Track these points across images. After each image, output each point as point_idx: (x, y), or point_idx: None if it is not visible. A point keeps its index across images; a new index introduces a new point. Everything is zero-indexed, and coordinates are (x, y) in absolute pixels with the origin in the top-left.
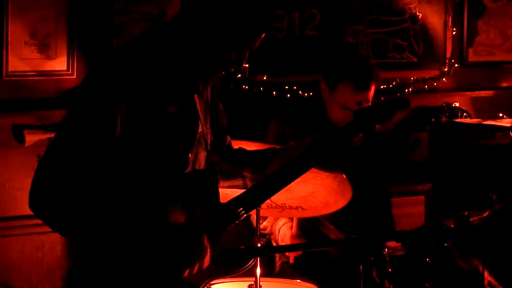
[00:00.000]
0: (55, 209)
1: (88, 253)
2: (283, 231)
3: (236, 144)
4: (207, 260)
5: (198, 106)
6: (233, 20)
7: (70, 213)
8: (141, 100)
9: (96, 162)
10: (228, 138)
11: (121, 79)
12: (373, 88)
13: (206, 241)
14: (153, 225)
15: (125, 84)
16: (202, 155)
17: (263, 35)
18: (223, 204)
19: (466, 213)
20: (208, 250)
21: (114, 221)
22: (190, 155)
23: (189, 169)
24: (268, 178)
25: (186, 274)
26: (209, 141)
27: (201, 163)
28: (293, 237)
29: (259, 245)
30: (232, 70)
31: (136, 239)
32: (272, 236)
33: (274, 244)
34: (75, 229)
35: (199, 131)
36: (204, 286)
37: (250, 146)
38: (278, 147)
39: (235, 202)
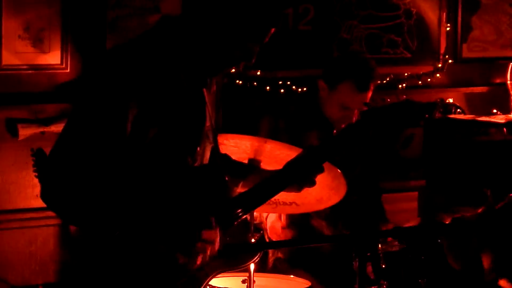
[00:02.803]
0: (67, 202)
1: (91, 246)
2: (271, 222)
3: (232, 138)
4: (217, 243)
5: (206, 100)
6: (243, 14)
7: (81, 206)
8: (152, 95)
9: (106, 156)
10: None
11: (132, 75)
12: (372, 88)
13: (214, 223)
14: (160, 215)
15: (136, 78)
16: (208, 149)
17: (273, 29)
18: (231, 199)
19: (459, 215)
20: (218, 232)
21: (123, 214)
22: (198, 149)
23: (197, 163)
24: (271, 178)
25: (199, 261)
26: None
27: (207, 157)
28: (283, 228)
29: (253, 240)
30: (242, 65)
31: (143, 232)
32: (261, 225)
33: (265, 233)
34: (84, 220)
35: (207, 125)
36: (209, 280)
37: (245, 140)
38: (256, 160)
39: (238, 201)
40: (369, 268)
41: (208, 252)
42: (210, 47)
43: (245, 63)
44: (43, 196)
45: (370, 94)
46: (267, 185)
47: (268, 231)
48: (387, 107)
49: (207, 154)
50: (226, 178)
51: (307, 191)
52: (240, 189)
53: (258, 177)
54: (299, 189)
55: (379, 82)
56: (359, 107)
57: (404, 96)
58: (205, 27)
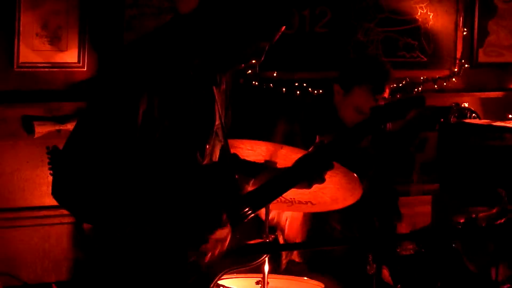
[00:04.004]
0: (78, 198)
1: (103, 244)
2: (290, 218)
3: (247, 144)
4: (228, 241)
5: (216, 98)
6: (253, 12)
7: (92, 202)
8: (161, 91)
9: (118, 151)
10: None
11: (144, 71)
12: (387, 90)
13: (225, 220)
14: (171, 212)
15: (148, 76)
16: (218, 147)
17: (283, 28)
18: (241, 196)
19: (473, 215)
20: (229, 229)
21: (134, 210)
22: (207, 147)
23: (206, 161)
24: (281, 175)
25: (208, 258)
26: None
27: (216, 155)
28: (302, 223)
29: (267, 240)
30: (252, 62)
31: (154, 228)
32: (278, 226)
33: (279, 234)
34: (96, 217)
35: (216, 123)
36: (218, 279)
37: (261, 145)
38: (272, 162)
39: (248, 198)
40: (384, 272)
41: (217, 251)
42: (221, 44)
43: (255, 61)
44: (54, 192)
45: (386, 95)
46: (277, 182)
47: (286, 229)
48: (396, 103)
49: (217, 152)
50: (236, 177)
51: (322, 191)
52: (251, 188)
53: (269, 175)
54: (309, 186)
55: (394, 85)
56: None
57: (416, 90)
58: (216, 25)
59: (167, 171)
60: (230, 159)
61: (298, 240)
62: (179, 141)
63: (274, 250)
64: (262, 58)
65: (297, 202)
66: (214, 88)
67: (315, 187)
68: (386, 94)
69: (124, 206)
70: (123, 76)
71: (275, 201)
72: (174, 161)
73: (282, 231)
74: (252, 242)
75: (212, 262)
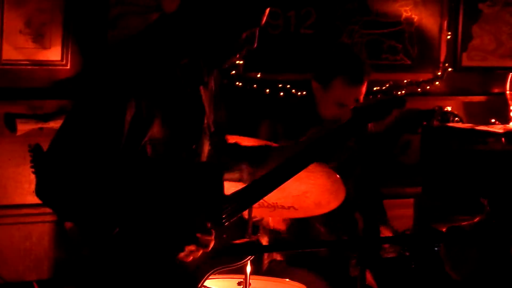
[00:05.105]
0: (62, 198)
1: (88, 243)
2: None
3: (233, 139)
4: (211, 246)
5: (203, 97)
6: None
7: (77, 202)
8: (150, 93)
9: (104, 153)
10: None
11: (131, 74)
12: (365, 83)
13: (210, 228)
14: (156, 212)
15: (135, 79)
16: (206, 146)
17: (268, 9)
18: (228, 196)
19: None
20: (213, 236)
21: (119, 210)
22: (195, 146)
23: (195, 160)
24: (267, 175)
25: (190, 259)
26: (212, 131)
27: (205, 154)
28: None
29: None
30: (245, 51)
31: (139, 228)
32: (262, 222)
33: (262, 236)
34: (81, 216)
35: (204, 122)
36: (205, 279)
37: (245, 141)
38: (273, 145)
39: (236, 196)
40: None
41: (199, 254)
42: (211, 38)
43: (248, 48)
44: (38, 191)
45: (364, 88)
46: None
47: (270, 221)
48: (377, 103)
49: (205, 151)
50: (243, 167)
51: (305, 195)
52: (260, 173)
53: (279, 158)
54: None
55: (376, 88)
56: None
57: (395, 92)
58: (202, 20)
59: (155, 171)
60: (231, 149)
61: (282, 228)
62: (167, 142)
63: (261, 251)
64: (255, 44)
65: (279, 206)
66: (201, 88)
67: (297, 190)
68: (364, 87)
69: (109, 206)
70: (111, 79)
71: (257, 206)
72: (162, 161)
73: (266, 229)
74: (238, 241)
75: (200, 261)
